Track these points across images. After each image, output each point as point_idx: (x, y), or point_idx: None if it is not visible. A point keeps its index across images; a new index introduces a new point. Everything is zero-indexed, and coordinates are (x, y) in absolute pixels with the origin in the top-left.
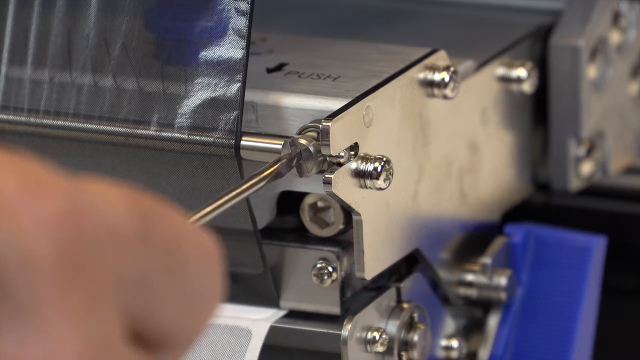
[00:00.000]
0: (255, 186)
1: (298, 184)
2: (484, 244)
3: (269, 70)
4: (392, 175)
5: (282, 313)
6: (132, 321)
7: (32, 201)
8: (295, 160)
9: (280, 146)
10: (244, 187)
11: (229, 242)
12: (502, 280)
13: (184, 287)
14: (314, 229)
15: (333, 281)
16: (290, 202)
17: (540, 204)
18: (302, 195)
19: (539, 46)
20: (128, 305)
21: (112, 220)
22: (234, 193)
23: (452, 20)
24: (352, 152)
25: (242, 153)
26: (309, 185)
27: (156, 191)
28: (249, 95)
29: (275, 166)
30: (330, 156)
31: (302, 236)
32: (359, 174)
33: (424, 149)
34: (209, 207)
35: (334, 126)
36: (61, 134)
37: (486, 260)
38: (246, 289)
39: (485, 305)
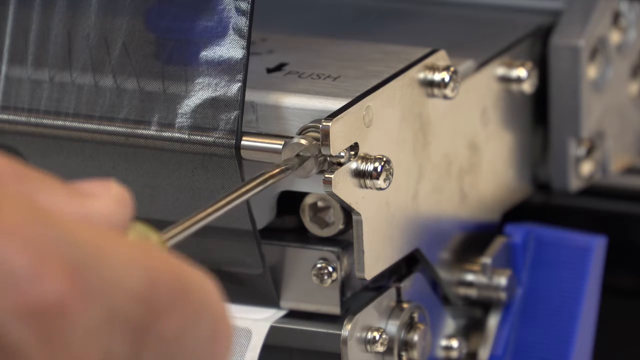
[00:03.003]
0: (256, 188)
1: (298, 184)
2: (484, 244)
3: (269, 70)
4: (392, 175)
5: (282, 313)
6: None
7: (31, 283)
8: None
9: (280, 146)
10: (245, 189)
11: (228, 242)
12: (502, 280)
13: None
14: (314, 229)
15: (333, 281)
16: (290, 202)
17: (540, 204)
18: (302, 195)
19: (539, 46)
20: None
21: (115, 306)
22: (234, 195)
23: (452, 20)
24: (352, 152)
25: (243, 153)
26: (309, 185)
27: (156, 191)
28: (249, 95)
29: (278, 170)
30: (331, 156)
31: (302, 236)
32: (359, 174)
33: (424, 149)
34: (209, 209)
35: (334, 126)
36: (61, 134)
37: (486, 260)
38: (246, 289)
39: (485, 305)
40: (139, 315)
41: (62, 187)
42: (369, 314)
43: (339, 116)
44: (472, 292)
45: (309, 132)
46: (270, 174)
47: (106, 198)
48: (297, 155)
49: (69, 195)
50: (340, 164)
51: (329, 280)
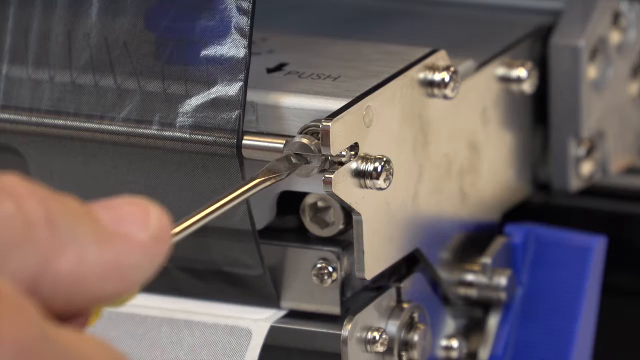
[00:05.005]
0: (257, 187)
1: (298, 184)
2: (484, 244)
3: (269, 70)
4: (392, 175)
5: (282, 313)
6: None
7: None
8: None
9: (281, 145)
10: (245, 188)
11: (228, 242)
12: (502, 280)
13: None
14: (314, 229)
15: (333, 281)
16: (290, 202)
17: (540, 204)
18: (302, 195)
19: (539, 46)
20: None
21: None
22: (234, 194)
23: (452, 20)
24: (352, 152)
25: (244, 152)
26: (309, 185)
27: (157, 191)
28: (249, 95)
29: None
30: (331, 156)
31: (302, 236)
32: (359, 174)
33: (424, 149)
34: (209, 209)
35: (334, 126)
36: (62, 133)
37: (486, 260)
38: (246, 289)
39: (485, 305)
40: None
41: (94, 231)
42: (369, 314)
43: (339, 116)
44: (472, 292)
45: (309, 131)
46: (260, 179)
47: (142, 237)
48: (293, 157)
49: (101, 242)
50: (342, 164)
51: (329, 280)
